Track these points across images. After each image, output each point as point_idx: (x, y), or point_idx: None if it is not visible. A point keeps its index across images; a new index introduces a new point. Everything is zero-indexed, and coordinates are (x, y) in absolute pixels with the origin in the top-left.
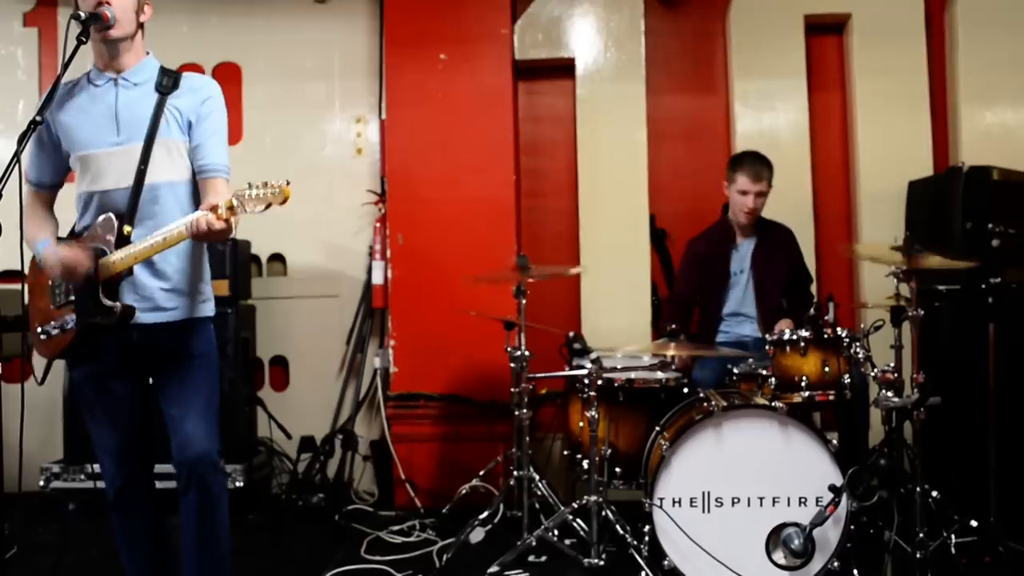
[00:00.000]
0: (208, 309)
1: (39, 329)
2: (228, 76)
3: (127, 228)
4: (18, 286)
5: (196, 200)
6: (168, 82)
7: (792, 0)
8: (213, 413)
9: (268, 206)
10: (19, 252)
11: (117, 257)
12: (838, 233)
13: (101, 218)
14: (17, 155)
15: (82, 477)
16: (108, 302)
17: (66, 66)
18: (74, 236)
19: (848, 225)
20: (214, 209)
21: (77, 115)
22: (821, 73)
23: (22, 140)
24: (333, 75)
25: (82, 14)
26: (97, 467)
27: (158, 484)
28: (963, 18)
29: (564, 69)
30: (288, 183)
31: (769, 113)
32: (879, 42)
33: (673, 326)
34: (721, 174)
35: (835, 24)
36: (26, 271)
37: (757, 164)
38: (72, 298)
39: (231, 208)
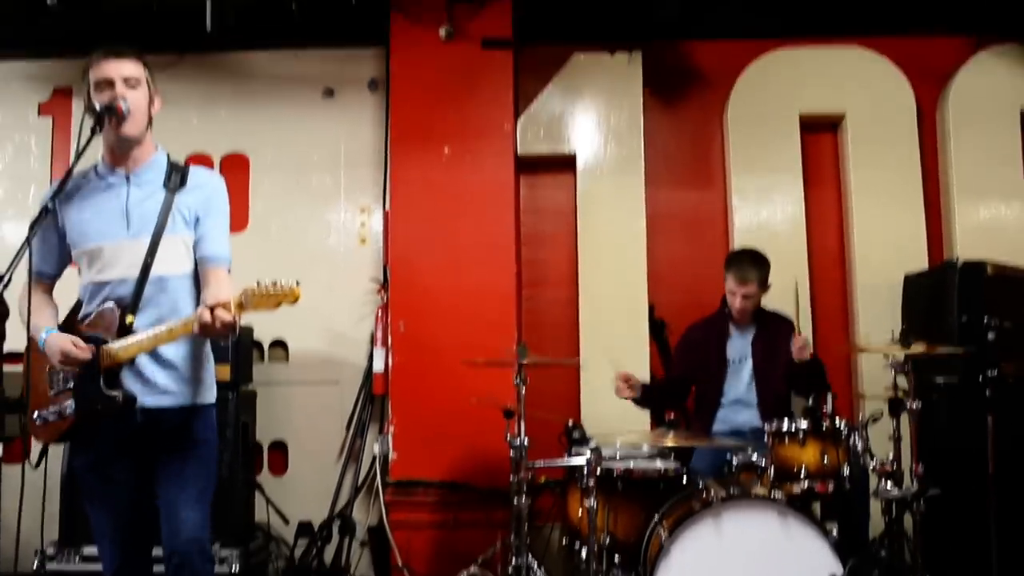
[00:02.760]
0: (210, 396)
1: (35, 414)
2: (236, 166)
3: (129, 318)
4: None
5: (198, 291)
6: (176, 179)
7: (788, 99)
8: (206, 501)
9: (278, 304)
10: (25, 334)
11: (119, 346)
12: (835, 325)
13: (105, 307)
14: (28, 240)
15: (77, 559)
16: (109, 391)
17: (79, 155)
18: (77, 322)
19: (845, 317)
20: (225, 306)
21: (88, 210)
22: (816, 168)
23: (34, 226)
24: (339, 166)
25: (97, 106)
26: (93, 549)
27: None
28: (954, 114)
29: (565, 163)
30: (298, 283)
31: (766, 207)
32: (873, 139)
33: (670, 413)
34: (720, 266)
35: (830, 122)
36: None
37: (744, 267)
38: (71, 385)
39: (240, 306)
